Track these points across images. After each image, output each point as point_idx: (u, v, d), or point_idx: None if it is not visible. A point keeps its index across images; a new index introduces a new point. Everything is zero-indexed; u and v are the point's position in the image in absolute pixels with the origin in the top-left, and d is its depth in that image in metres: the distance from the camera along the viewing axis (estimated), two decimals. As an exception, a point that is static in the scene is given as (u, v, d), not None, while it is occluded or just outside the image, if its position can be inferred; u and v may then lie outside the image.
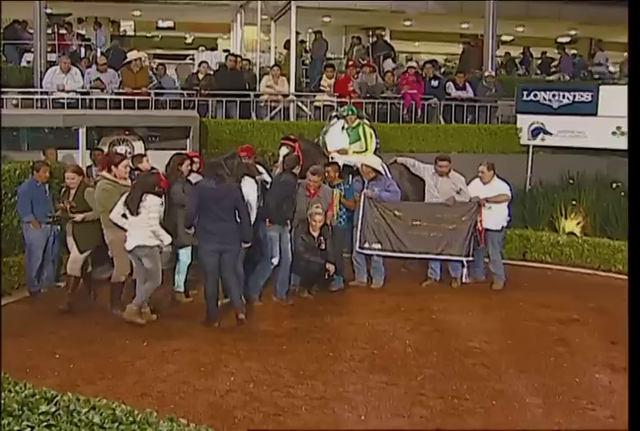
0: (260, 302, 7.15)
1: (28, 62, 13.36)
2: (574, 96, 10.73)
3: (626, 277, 6.60)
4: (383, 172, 8.10)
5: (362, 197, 7.78)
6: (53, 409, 2.58)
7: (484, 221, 7.81)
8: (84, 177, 6.99)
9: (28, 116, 9.34)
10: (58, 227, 7.10)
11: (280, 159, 7.75)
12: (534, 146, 10.98)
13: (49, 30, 13.46)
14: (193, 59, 16.20)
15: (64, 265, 7.20)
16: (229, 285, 6.51)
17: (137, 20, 19.32)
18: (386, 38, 16.99)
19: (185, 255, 7.05)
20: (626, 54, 14.83)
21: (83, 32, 16.45)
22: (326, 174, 7.65)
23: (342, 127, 8.68)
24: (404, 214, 7.86)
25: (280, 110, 11.54)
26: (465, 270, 7.96)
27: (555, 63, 16.97)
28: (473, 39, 16.33)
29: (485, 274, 8.14)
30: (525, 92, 11.14)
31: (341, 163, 8.12)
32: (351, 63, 13.06)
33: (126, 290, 6.62)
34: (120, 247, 6.38)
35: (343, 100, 11.18)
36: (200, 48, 16.48)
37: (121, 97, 10.59)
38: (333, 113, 9.57)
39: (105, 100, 10.55)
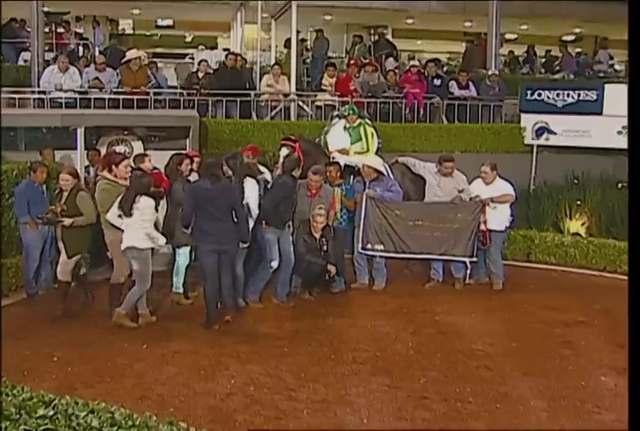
0: (260, 304, 7.10)
1: (25, 61, 13.25)
2: (579, 95, 10.63)
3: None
4: (385, 173, 8.04)
5: (364, 197, 7.71)
6: (51, 413, 2.58)
7: (488, 221, 7.75)
8: (78, 180, 6.88)
9: (25, 116, 9.26)
10: (54, 229, 7.02)
11: (281, 160, 7.69)
12: (538, 146, 10.90)
13: (47, 29, 13.42)
14: (193, 58, 16.09)
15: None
16: (222, 284, 6.44)
17: (136, 18, 19.22)
18: (389, 36, 16.87)
19: (183, 256, 6.98)
20: (630, 52, 14.69)
21: (81, 31, 16.35)
22: (328, 174, 7.62)
23: (344, 127, 8.65)
24: (407, 214, 7.80)
25: (280, 110, 11.47)
26: (467, 271, 7.89)
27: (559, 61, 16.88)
28: (476, 37, 16.25)
29: (488, 275, 8.07)
30: (529, 91, 11.04)
31: (342, 163, 8.07)
32: (352, 62, 12.94)
33: (125, 292, 6.54)
34: (120, 248, 6.33)
35: (345, 99, 11.10)
36: (200, 47, 16.38)
37: (120, 96, 10.52)
38: (335, 113, 9.51)
39: (104, 99, 10.46)
